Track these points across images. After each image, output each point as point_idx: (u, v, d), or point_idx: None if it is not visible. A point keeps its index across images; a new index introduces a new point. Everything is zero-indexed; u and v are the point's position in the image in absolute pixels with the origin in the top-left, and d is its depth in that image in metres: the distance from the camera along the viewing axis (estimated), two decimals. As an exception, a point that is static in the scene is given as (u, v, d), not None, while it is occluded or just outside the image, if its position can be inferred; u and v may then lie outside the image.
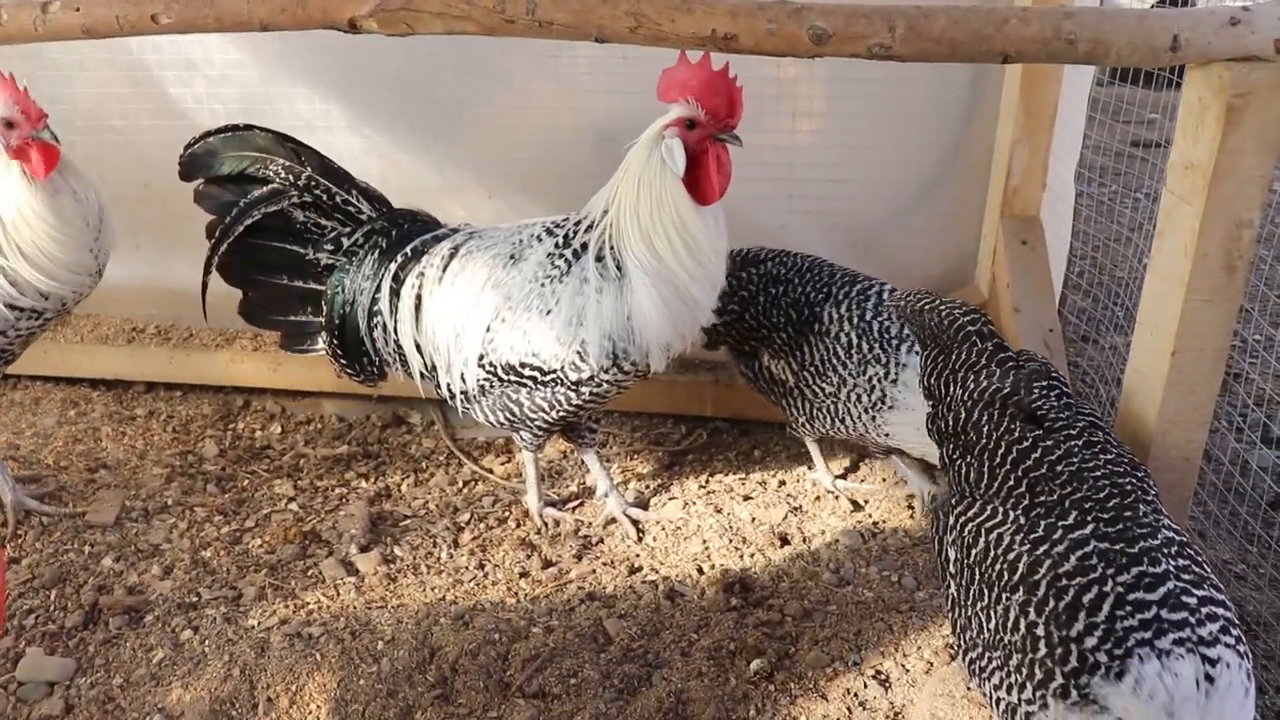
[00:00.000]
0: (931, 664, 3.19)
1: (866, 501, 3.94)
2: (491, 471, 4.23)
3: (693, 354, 4.40)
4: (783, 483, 4.07)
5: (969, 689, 3.07)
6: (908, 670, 3.17)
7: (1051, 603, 2.11)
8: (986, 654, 2.29)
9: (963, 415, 2.66)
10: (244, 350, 4.76)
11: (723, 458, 3.96)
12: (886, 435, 3.20)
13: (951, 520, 2.55)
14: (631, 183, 2.98)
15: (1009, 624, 2.21)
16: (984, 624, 2.31)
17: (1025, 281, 3.71)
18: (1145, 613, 2.02)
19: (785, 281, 3.37)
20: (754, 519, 3.84)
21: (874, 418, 3.21)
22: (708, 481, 4.08)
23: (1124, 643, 1.91)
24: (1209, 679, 1.95)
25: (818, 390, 3.28)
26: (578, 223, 3.35)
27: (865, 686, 3.11)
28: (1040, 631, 2.11)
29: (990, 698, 2.30)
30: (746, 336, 3.48)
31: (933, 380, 2.86)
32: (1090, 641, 1.97)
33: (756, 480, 4.09)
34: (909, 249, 4.47)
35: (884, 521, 3.85)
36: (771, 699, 3.09)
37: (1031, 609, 2.16)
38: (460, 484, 4.20)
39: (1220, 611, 2.05)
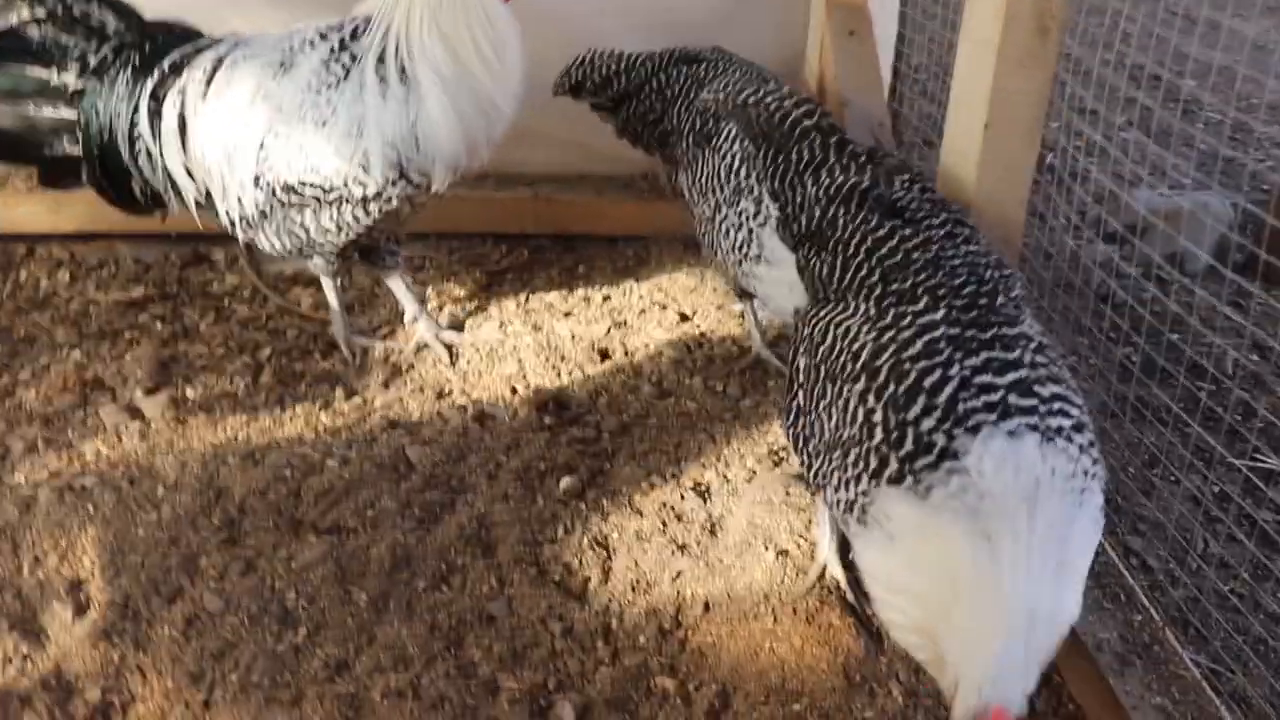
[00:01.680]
0: (754, 472, 3.02)
1: (695, 312, 3.64)
2: (299, 305, 3.77)
3: (511, 168, 3.98)
4: (607, 298, 3.76)
5: (788, 494, 2.88)
6: (729, 480, 2.97)
7: (891, 387, 1.90)
8: (827, 457, 2.09)
9: (817, 213, 2.42)
10: (17, 193, 4.11)
11: (544, 275, 3.62)
12: (754, 288, 2.71)
13: (804, 328, 2.30)
14: None
15: (848, 416, 2.02)
16: (825, 424, 2.11)
17: (853, 73, 3.38)
18: (991, 395, 1.86)
19: (704, 85, 2.87)
20: (574, 336, 3.53)
21: (740, 263, 2.68)
22: (527, 300, 3.74)
23: (964, 422, 1.78)
24: (1057, 473, 1.79)
25: (700, 211, 2.80)
26: (355, 27, 2.94)
27: (683, 499, 2.91)
28: (878, 418, 1.93)
29: (830, 503, 2.09)
30: (664, 140, 3.00)
31: (777, 183, 2.55)
32: (927, 424, 1.82)
33: (580, 297, 3.77)
34: (736, 45, 4.01)
35: (711, 331, 3.59)
36: (582, 517, 2.85)
37: (871, 395, 1.97)
38: (264, 319, 3.75)
39: (1074, 412, 1.89)
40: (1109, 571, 2.51)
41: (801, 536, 2.79)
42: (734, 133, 2.64)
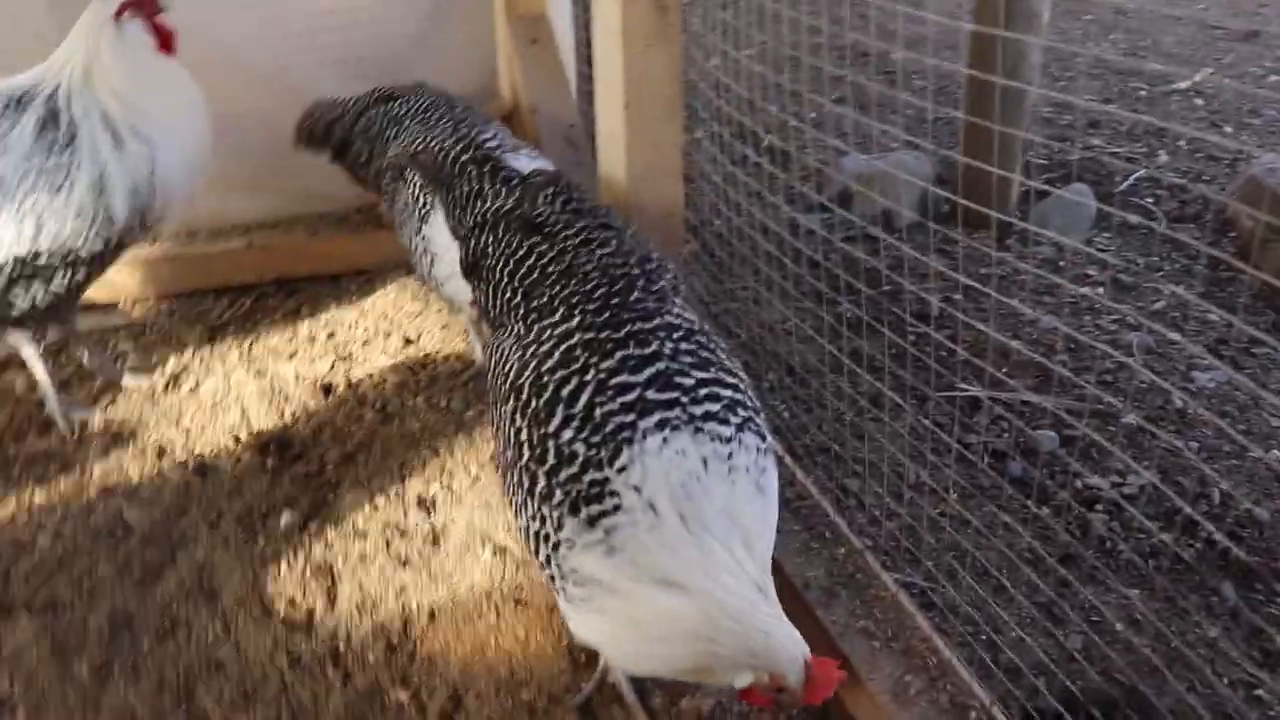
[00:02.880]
0: (478, 477, 2.97)
1: (420, 335, 3.59)
2: (13, 389, 3.49)
3: (224, 221, 3.84)
4: (331, 334, 3.67)
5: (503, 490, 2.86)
6: (453, 490, 2.95)
7: (533, 402, 1.81)
8: (508, 485, 1.98)
9: (473, 243, 2.36)
10: None
11: (267, 321, 3.49)
12: (461, 306, 2.72)
13: (486, 358, 2.26)
14: (103, 59, 2.77)
15: (506, 438, 1.94)
16: (501, 452, 2.01)
17: (539, 80, 3.38)
18: (627, 395, 1.74)
19: (398, 122, 2.88)
20: (298, 376, 3.43)
21: (441, 285, 2.73)
22: (250, 349, 3.61)
23: (602, 429, 1.69)
24: (715, 456, 1.74)
25: (404, 239, 2.79)
26: (45, 90, 2.85)
27: (406, 515, 2.86)
28: (524, 436, 1.80)
29: (520, 532, 2.00)
30: (377, 179, 2.96)
31: (452, 224, 2.51)
32: (567, 435, 1.73)
33: (304, 337, 3.67)
34: (433, 72, 4.00)
35: (436, 352, 3.56)
36: (304, 549, 2.77)
37: (518, 415, 1.90)
38: (-28, 407, 3.45)
39: (727, 393, 1.79)
40: (815, 514, 2.61)
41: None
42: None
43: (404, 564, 2.75)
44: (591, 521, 1.71)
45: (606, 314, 1.95)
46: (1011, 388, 3.02)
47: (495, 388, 2.07)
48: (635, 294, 2.01)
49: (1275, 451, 2.73)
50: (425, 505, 2.92)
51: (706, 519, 1.68)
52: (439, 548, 2.79)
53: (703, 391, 1.81)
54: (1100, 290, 3.36)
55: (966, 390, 3.04)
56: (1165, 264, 3.47)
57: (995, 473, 2.69)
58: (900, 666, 2.16)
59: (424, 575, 2.71)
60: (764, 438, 1.88)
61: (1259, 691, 2.12)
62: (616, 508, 1.70)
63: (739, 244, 2.84)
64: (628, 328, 1.90)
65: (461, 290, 2.54)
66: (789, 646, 1.64)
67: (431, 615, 2.60)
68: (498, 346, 2.15)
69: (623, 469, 1.70)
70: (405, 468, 3.04)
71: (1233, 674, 2.16)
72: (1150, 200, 4.05)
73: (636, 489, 1.70)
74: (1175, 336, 3.09)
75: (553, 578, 1.83)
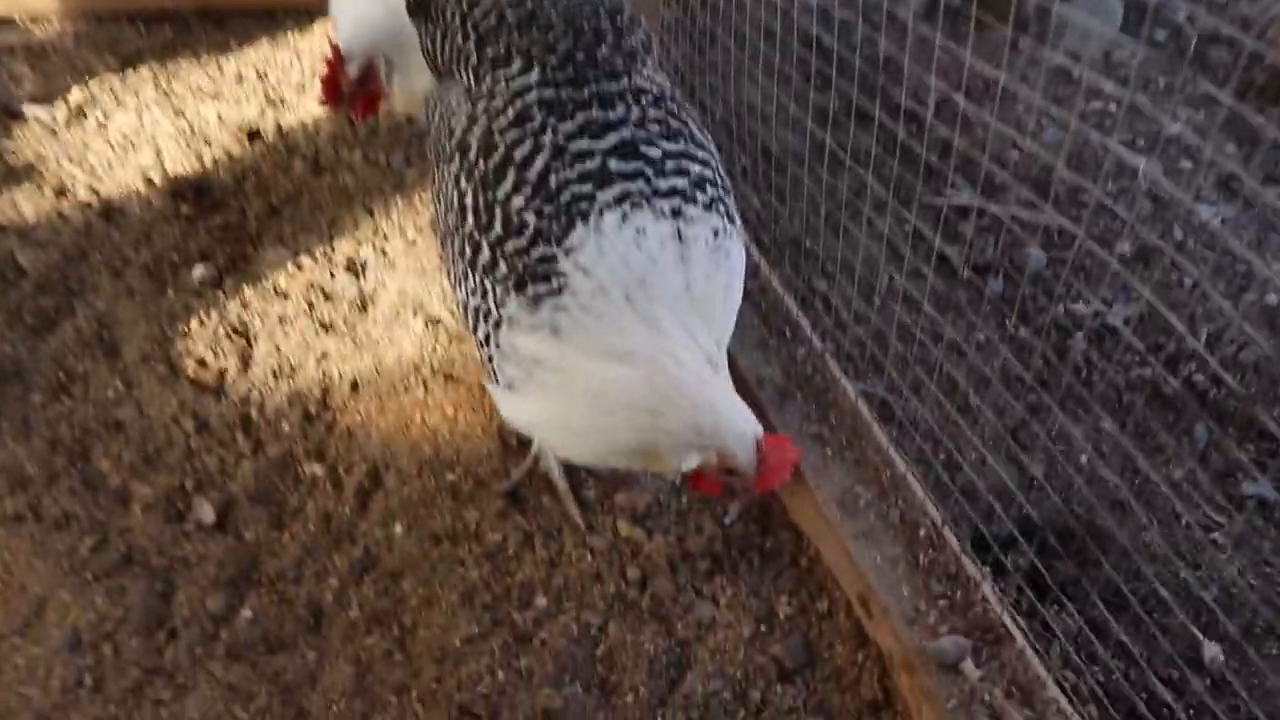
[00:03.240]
0: (415, 242, 2.69)
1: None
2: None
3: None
4: (262, 75, 3.26)
5: (441, 258, 2.60)
6: (386, 254, 2.67)
7: (481, 164, 1.64)
8: (448, 253, 1.77)
9: None
10: None
11: (190, 55, 3.11)
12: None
13: (429, 112, 1.97)
14: None
15: (448, 202, 1.72)
16: (442, 216, 1.79)
17: None
18: (587, 163, 1.58)
19: None
20: (221, 118, 3.06)
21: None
22: (169, 84, 3.20)
23: (556, 199, 1.55)
24: (678, 236, 1.56)
25: None
26: None
27: (333, 277, 2.59)
28: (469, 200, 1.64)
29: (458, 307, 1.79)
30: None
31: None
32: (517, 202, 1.58)
33: (230, 76, 3.26)
34: None
35: (379, 103, 3.14)
36: (219, 306, 2.51)
37: (464, 176, 1.67)
38: None
39: (696, 168, 1.64)
40: (777, 311, 2.40)
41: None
42: None
43: (327, 329, 2.52)
44: (536, 301, 1.55)
45: (570, 69, 1.71)
46: (1004, 200, 2.76)
47: (439, 145, 1.82)
48: (603, 50, 1.75)
49: (1272, 296, 2.54)
50: (354, 268, 2.66)
51: (660, 301, 1.54)
52: (366, 314, 2.55)
53: (670, 165, 1.62)
54: (1114, 107, 3.06)
55: (955, 197, 2.78)
56: (1189, 86, 3.16)
57: (975, 287, 2.49)
58: (851, 477, 2.06)
59: (348, 343, 2.49)
60: (732, 219, 1.70)
61: (1215, 535, 2.01)
62: (562, 288, 1.54)
63: (726, 5, 2.47)
64: (592, 87, 1.68)
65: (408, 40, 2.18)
66: (738, 423, 1.54)
67: (354, 386, 2.40)
68: (444, 99, 1.87)
69: (572, 250, 1.53)
70: (335, 226, 2.75)
71: (1194, 516, 2.04)
72: (1184, 16, 3.67)
73: (586, 272, 1.53)
74: (1186, 164, 2.83)
75: (490, 357, 1.67)
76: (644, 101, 1.69)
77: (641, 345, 1.53)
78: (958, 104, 1.64)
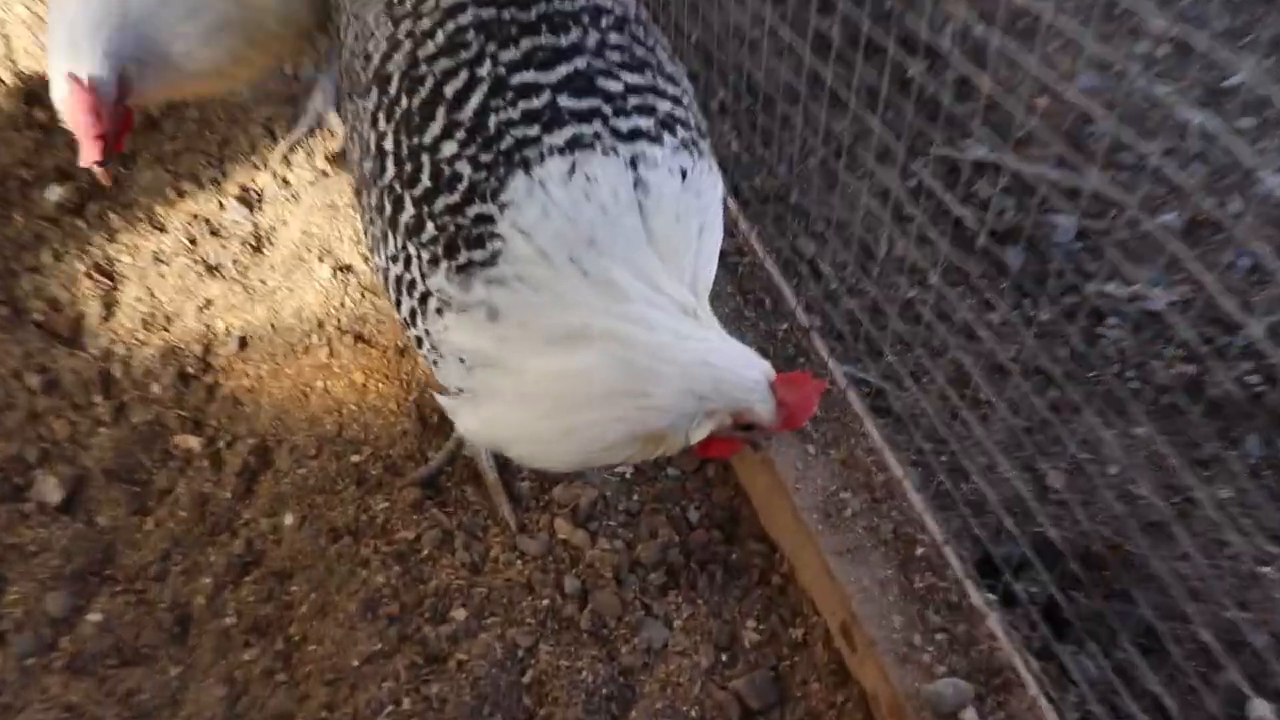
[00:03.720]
0: (325, 173, 2.55)
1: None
2: None
3: None
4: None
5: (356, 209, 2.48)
6: (288, 184, 2.55)
7: (405, 100, 1.51)
8: (364, 208, 1.64)
9: None
10: None
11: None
12: None
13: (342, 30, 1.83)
14: None
15: (364, 145, 1.59)
16: (357, 161, 1.66)
17: None
18: (534, 99, 1.46)
19: None
20: (93, 4, 2.80)
21: None
22: (28, -43, 2.93)
23: (496, 144, 1.44)
24: (638, 184, 1.47)
25: None
26: None
27: (222, 208, 2.49)
28: (390, 144, 1.52)
29: (378, 274, 1.68)
30: None
31: None
32: (448, 149, 1.46)
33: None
34: None
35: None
36: (78, 237, 2.38)
37: (383, 115, 1.54)
38: None
39: (664, 105, 1.54)
40: (755, 277, 2.30)
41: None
42: None
43: (212, 272, 2.40)
44: (466, 273, 1.45)
45: None
46: (1030, 156, 2.67)
47: (351, 72, 1.68)
48: None
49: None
50: (249, 199, 2.54)
51: (614, 256, 1.45)
52: (262, 256, 2.44)
53: (633, 101, 1.52)
54: (1164, 50, 2.97)
55: (974, 150, 2.68)
56: (1258, 27, 3.06)
57: (993, 258, 2.40)
58: (836, 480, 1.99)
59: (238, 290, 2.37)
60: (710, 164, 1.61)
61: (1268, 568, 1.95)
62: (497, 256, 1.43)
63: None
64: (541, 5, 1.54)
65: None
66: (742, 370, 1.48)
67: (243, 342, 2.30)
68: (357, 16, 1.71)
69: (508, 206, 1.43)
70: (228, 147, 2.62)
71: (1244, 544, 1.98)
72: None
73: (526, 234, 1.43)
74: (1248, 122, 2.74)
75: (419, 340, 1.56)
76: (604, 24, 1.57)
77: (595, 317, 1.43)
78: (982, 36, 1.52)
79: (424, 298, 1.51)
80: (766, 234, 2.36)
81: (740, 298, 2.28)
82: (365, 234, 1.66)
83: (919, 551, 1.89)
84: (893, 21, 1.81)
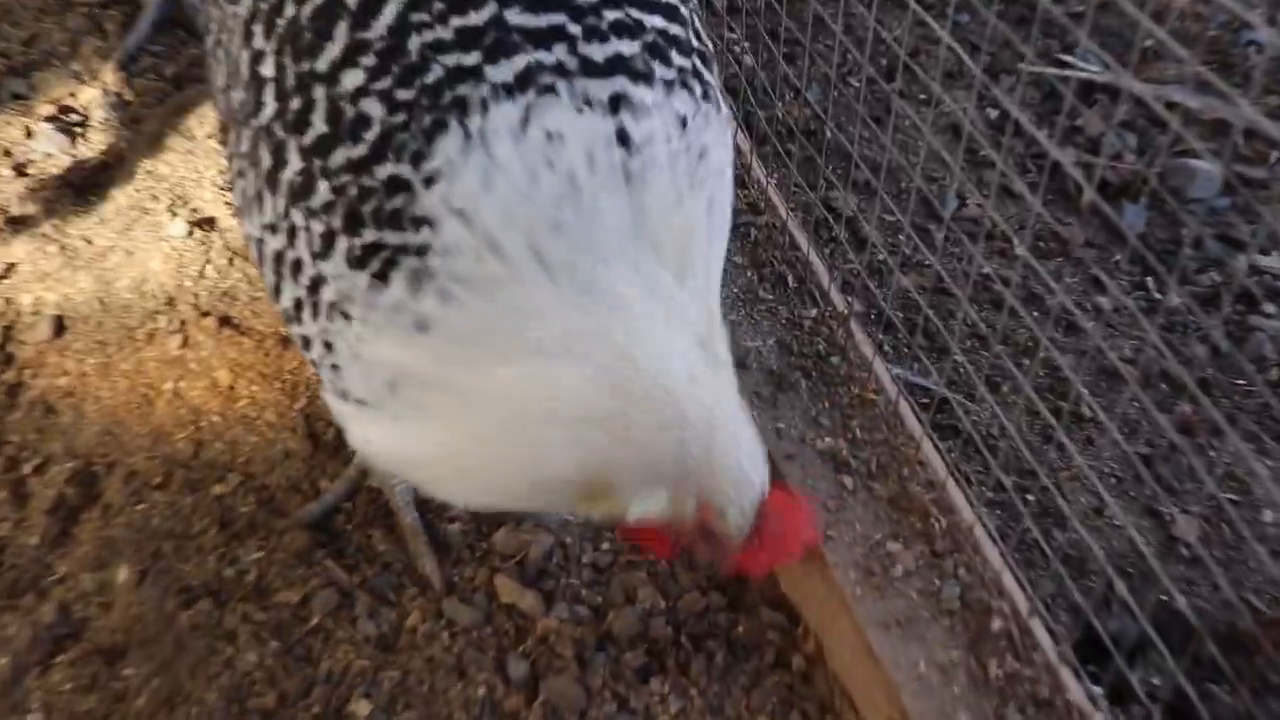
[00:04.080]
0: (179, 87, 2.66)
1: None
2: None
3: None
4: None
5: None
6: (128, 104, 2.64)
7: (290, 7, 1.52)
8: (231, 155, 1.68)
9: None
10: None
11: None
12: None
13: None
14: None
15: (232, 67, 1.61)
16: (221, 89, 1.68)
17: None
18: (471, 14, 1.46)
19: None
20: None
21: None
22: None
23: (419, 77, 1.45)
24: (622, 140, 1.47)
25: None
26: None
27: (30, 136, 2.61)
28: (268, 69, 1.53)
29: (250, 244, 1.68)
30: None
31: None
32: (350, 80, 1.46)
33: None
34: None
35: None
36: None
37: (258, 24, 1.55)
38: None
39: (654, 20, 1.56)
40: (773, 243, 2.36)
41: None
42: None
43: (15, 225, 2.43)
44: (380, 267, 1.45)
45: None
46: (1157, 77, 2.70)
47: None
48: None
49: None
50: (69, 124, 2.58)
51: (594, 248, 1.46)
52: (87, 205, 2.48)
53: (610, 18, 1.54)
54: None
55: (1081, 67, 2.73)
56: None
57: (1104, 220, 2.44)
58: (883, 525, 2.03)
59: (53, 252, 2.41)
60: (717, 105, 1.64)
61: None
62: (426, 248, 1.43)
63: None
64: None
65: None
66: (746, 464, 1.51)
67: (59, 325, 2.33)
68: None
69: (437, 178, 1.43)
70: (37, 47, 2.65)
71: None
72: None
73: (463, 216, 1.42)
74: None
75: (306, 341, 1.57)
76: None
77: (577, 330, 1.45)
78: None
79: (315, 285, 1.52)
80: (790, 184, 2.40)
81: (753, 272, 2.33)
82: (233, 188, 1.68)
83: (995, 625, 1.91)
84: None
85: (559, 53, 1.49)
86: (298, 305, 1.55)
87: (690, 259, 1.53)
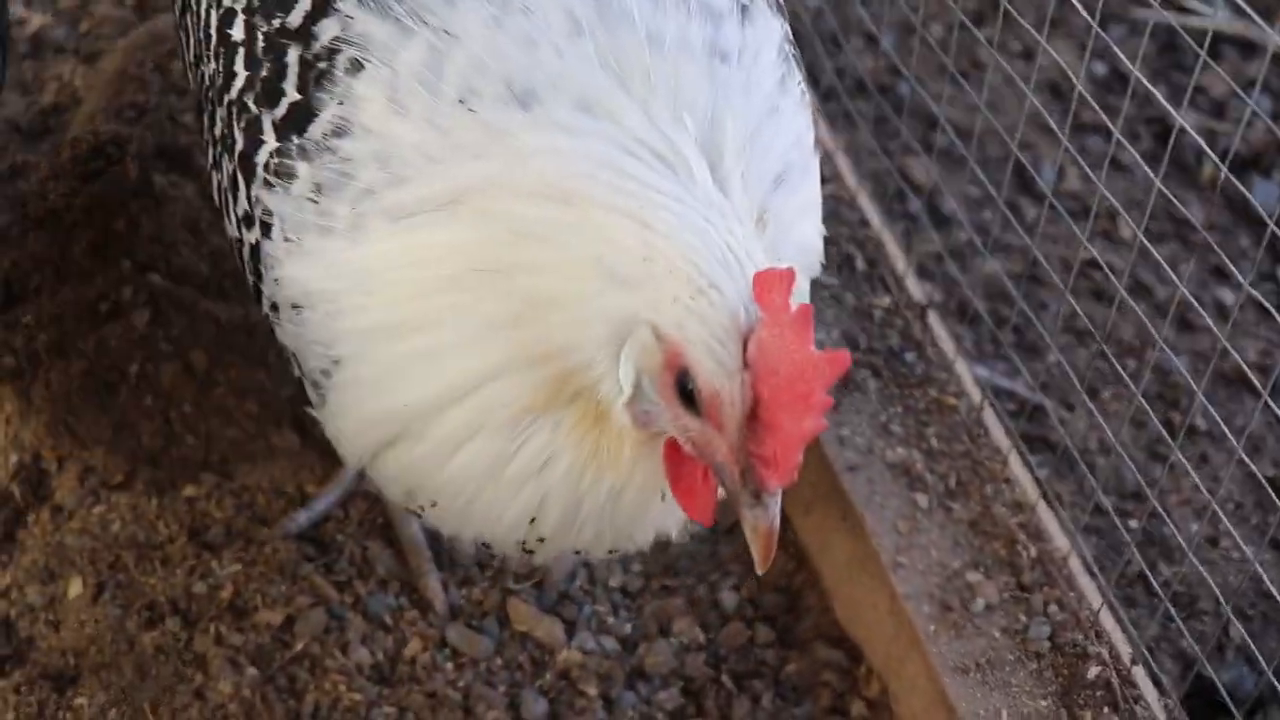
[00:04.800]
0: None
1: None
2: None
3: None
4: None
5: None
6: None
7: None
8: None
9: None
10: None
11: None
12: None
13: None
14: None
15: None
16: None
17: None
18: None
19: None
20: None
21: None
22: None
23: None
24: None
25: None
26: None
27: None
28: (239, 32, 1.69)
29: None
30: None
31: None
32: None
33: None
34: None
35: None
36: None
37: None
38: None
39: None
40: (838, 217, 2.35)
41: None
42: None
43: None
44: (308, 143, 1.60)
45: None
46: None
47: None
48: None
49: None
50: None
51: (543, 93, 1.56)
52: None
53: None
54: None
55: (1207, 16, 2.73)
56: None
57: (1231, 199, 2.45)
58: (962, 552, 2.05)
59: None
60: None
61: None
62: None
63: None
64: None
65: None
66: (701, 260, 1.44)
67: (9, 295, 2.37)
68: None
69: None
70: None
71: None
72: None
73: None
74: None
75: (258, 292, 1.69)
76: None
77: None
78: None
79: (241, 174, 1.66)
80: (860, 149, 2.43)
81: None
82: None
83: (1091, 672, 1.92)
84: None
85: None
86: (247, 220, 1.66)
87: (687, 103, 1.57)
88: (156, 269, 2.39)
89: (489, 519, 1.67)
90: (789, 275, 1.42)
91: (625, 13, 1.59)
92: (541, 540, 1.67)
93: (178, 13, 1.86)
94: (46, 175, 2.48)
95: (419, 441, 1.66)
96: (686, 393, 1.43)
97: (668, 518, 1.68)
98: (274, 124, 1.61)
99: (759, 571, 1.47)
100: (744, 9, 1.72)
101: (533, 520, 1.64)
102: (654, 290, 1.43)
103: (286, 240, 1.62)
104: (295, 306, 1.64)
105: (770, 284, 1.41)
